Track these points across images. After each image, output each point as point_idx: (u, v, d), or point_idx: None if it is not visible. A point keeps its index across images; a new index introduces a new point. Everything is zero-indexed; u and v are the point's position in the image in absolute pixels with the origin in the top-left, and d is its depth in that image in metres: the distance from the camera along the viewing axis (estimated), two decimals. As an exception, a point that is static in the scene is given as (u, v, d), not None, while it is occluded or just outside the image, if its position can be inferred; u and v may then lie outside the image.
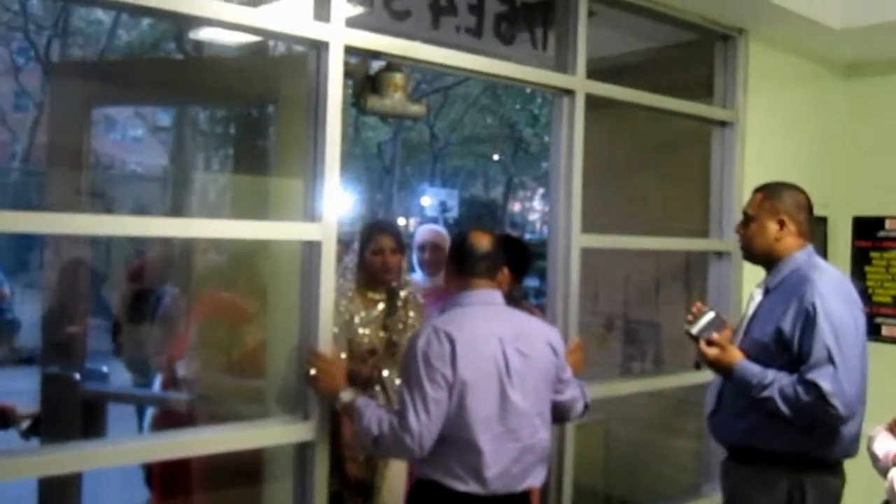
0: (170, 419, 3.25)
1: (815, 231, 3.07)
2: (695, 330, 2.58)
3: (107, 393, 3.64)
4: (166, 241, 3.95)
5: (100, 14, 15.75)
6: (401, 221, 20.98)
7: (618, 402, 3.60)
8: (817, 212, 2.81)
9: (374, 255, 3.13)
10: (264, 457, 2.78)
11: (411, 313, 3.22)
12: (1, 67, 17.88)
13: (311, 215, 2.50)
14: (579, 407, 2.56)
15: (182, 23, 3.00)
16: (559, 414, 2.52)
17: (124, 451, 2.25)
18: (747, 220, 2.64)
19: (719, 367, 2.54)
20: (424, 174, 24.12)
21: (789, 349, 2.44)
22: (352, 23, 2.55)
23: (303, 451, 2.52)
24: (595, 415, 3.47)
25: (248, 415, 2.67)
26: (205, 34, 3.28)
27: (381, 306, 3.17)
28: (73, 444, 2.43)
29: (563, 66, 3.21)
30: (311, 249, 2.49)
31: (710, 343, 2.54)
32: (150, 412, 3.72)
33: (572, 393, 2.52)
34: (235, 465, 2.58)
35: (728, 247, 3.73)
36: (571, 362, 2.61)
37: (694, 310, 2.63)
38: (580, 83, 3.19)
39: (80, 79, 3.58)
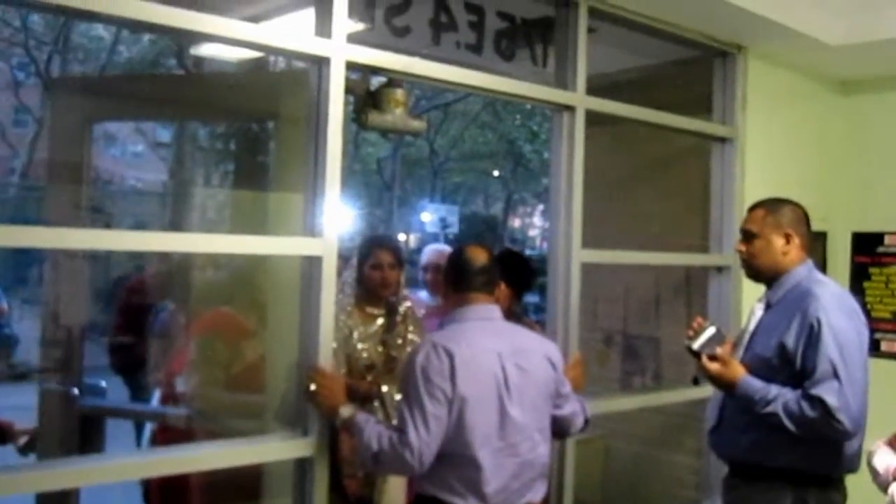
0: (169, 435, 3.24)
1: (814, 246, 3.06)
2: (696, 345, 2.56)
3: (105, 408, 3.63)
4: (165, 258, 3.95)
5: (100, 30, 15.81)
6: (401, 237, 21.00)
7: (618, 418, 3.59)
8: (816, 227, 2.81)
9: (372, 270, 3.13)
10: (263, 473, 2.76)
11: (410, 328, 3.22)
12: (1, 83, 17.92)
13: (311, 230, 2.50)
14: (579, 422, 2.55)
15: (184, 39, 3.01)
16: (559, 429, 2.51)
17: (122, 467, 2.24)
18: (749, 236, 2.64)
19: (722, 382, 2.53)
20: (424, 190, 24.15)
21: (792, 364, 2.43)
22: (353, 39, 2.56)
23: (302, 467, 2.50)
24: (595, 430, 3.45)
25: (248, 430, 2.66)
26: (206, 50, 3.30)
27: (379, 321, 3.16)
28: (71, 459, 2.42)
29: (562, 82, 3.22)
30: (312, 264, 2.49)
31: (712, 358, 2.53)
32: (148, 427, 3.71)
33: (572, 408, 2.51)
34: (234, 481, 2.57)
35: (728, 261, 3.73)
36: (572, 378, 2.61)
37: (694, 325, 2.62)
38: (580, 99, 3.20)
39: (81, 94, 3.60)
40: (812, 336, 2.39)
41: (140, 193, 19.74)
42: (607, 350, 4.26)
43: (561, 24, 3.26)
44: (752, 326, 2.66)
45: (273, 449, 2.47)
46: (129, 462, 2.29)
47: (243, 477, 2.58)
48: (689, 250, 3.87)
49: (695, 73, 3.97)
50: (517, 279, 3.22)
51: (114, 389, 4.08)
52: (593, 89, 3.26)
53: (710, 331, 2.58)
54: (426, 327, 3.27)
